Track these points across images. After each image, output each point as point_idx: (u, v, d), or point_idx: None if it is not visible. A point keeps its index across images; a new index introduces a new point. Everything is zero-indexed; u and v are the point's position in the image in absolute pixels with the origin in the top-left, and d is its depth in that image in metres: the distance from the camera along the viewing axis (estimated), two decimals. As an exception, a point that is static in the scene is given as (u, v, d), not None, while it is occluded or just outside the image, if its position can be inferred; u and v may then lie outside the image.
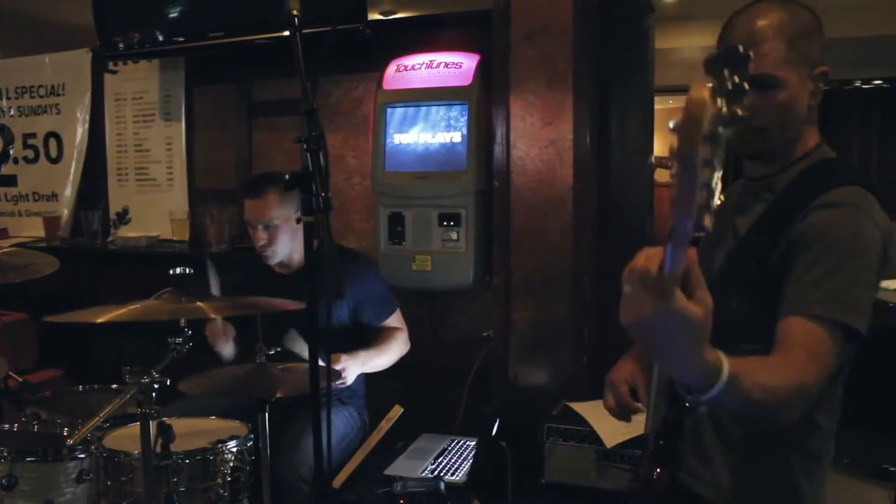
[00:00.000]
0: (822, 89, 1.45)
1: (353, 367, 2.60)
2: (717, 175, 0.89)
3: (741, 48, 0.93)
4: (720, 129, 0.88)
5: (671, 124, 0.89)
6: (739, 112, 0.90)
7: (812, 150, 1.47)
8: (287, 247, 2.80)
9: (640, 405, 1.61)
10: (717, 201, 0.90)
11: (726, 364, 1.10)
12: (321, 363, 1.72)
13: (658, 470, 1.44)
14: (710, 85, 0.89)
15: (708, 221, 0.90)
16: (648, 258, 0.98)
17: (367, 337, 2.83)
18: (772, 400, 1.19)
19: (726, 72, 0.91)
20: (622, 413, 1.66)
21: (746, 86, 0.90)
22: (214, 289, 2.68)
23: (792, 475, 1.45)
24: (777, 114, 1.41)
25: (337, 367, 2.52)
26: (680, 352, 1.03)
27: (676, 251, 0.95)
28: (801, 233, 1.34)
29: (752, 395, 1.15)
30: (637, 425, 1.81)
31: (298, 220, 2.75)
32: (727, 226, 1.53)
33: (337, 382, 2.53)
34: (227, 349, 2.81)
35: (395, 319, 2.90)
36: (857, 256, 1.30)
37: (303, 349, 2.48)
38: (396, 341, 2.84)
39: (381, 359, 2.76)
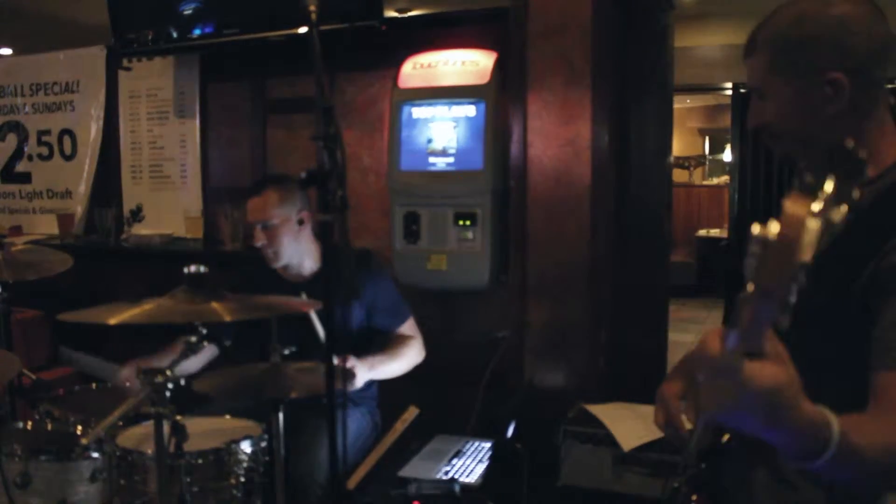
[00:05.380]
0: (861, 91, 1.30)
1: (362, 371, 2.55)
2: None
3: (851, 146, 0.78)
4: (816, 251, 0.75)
5: (755, 231, 0.76)
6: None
7: (891, 167, 1.32)
8: (290, 249, 2.76)
9: (689, 425, 1.44)
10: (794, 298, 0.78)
11: (835, 422, 0.99)
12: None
13: (695, 497, 1.40)
14: (814, 202, 0.75)
15: (786, 322, 0.81)
16: (711, 339, 0.91)
17: (380, 343, 2.79)
18: (890, 461, 1.08)
19: (832, 180, 0.75)
20: (671, 432, 1.48)
21: (857, 194, 0.75)
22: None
23: None
24: (779, 121, 1.36)
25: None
26: (777, 420, 0.93)
27: (740, 340, 0.87)
28: (888, 270, 1.20)
29: (868, 456, 1.04)
30: (655, 429, 1.77)
31: (300, 222, 2.77)
32: None
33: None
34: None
35: (408, 327, 2.85)
36: None
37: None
38: (410, 348, 2.79)
39: (392, 365, 2.71)
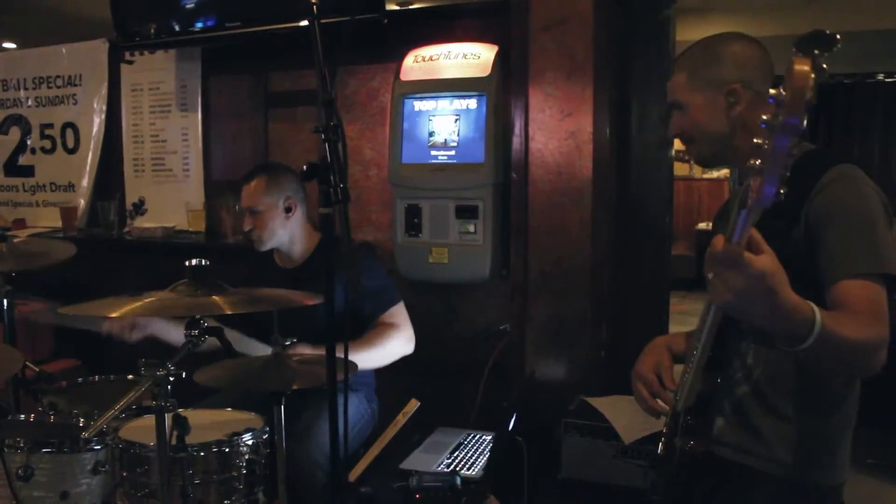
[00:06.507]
0: (753, 100, 1.69)
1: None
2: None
3: (825, 31, 1.11)
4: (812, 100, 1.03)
5: (773, 91, 1.04)
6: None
7: None
8: (276, 235, 2.80)
9: (669, 392, 1.75)
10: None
11: (818, 309, 1.29)
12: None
13: (692, 442, 1.65)
14: (810, 59, 1.05)
15: (784, 190, 1.08)
16: (716, 242, 1.19)
17: (364, 330, 2.73)
18: (863, 344, 1.38)
19: (816, 51, 1.06)
20: (651, 406, 1.79)
21: (826, 66, 1.06)
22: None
23: (832, 437, 1.66)
24: (693, 127, 1.76)
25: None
26: (773, 303, 1.22)
27: (749, 219, 1.13)
28: (818, 209, 1.54)
29: (849, 337, 1.33)
30: (656, 421, 1.81)
31: (288, 210, 2.79)
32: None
33: None
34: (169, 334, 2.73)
35: (394, 315, 2.76)
36: (872, 217, 1.53)
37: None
38: (389, 338, 2.70)
39: (364, 354, 2.60)
